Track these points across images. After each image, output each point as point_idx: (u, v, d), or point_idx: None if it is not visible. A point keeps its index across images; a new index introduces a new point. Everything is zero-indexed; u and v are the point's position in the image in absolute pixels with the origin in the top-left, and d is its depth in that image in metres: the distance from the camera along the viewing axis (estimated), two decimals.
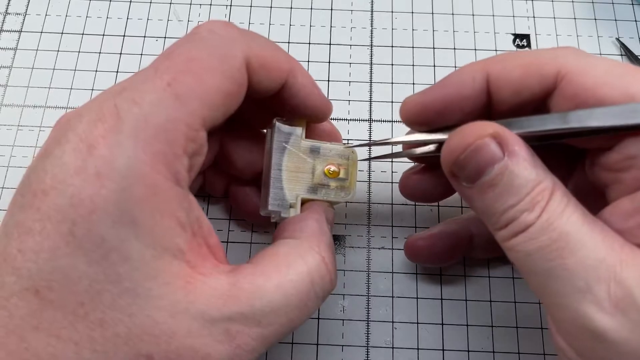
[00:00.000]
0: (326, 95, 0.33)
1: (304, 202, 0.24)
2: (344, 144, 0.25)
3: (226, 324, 0.17)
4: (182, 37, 0.19)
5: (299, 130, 0.24)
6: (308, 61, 0.34)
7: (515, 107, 0.20)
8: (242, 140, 0.25)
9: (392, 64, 0.34)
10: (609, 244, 0.17)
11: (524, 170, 0.18)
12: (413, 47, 0.34)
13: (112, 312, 0.16)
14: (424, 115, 0.21)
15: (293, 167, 0.24)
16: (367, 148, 0.31)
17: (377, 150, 0.31)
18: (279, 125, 0.24)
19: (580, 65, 0.18)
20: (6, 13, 0.35)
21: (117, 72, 0.33)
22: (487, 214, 0.19)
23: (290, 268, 0.19)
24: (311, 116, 0.23)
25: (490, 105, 0.21)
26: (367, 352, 0.27)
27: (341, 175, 0.24)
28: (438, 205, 0.30)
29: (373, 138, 0.32)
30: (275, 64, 0.20)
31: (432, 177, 0.24)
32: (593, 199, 0.19)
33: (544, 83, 0.19)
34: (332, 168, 0.24)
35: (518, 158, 0.18)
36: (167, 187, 0.17)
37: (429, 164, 0.25)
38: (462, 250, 0.27)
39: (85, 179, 0.16)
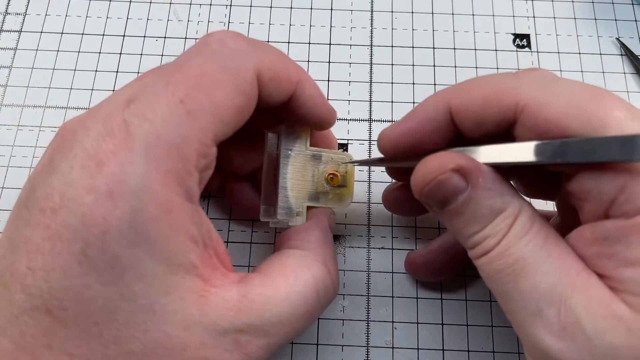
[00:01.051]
0: (327, 98, 0.33)
1: (307, 209, 0.24)
2: (342, 150, 0.26)
3: (236, 334, 0.17)
4: (192, 47, 0.19)
5: (304, 138, 0.24)
6: (308, 61, 0.34)
7: (481, 136, 0.20)
8: (239, 140, 0.25)
9: (392, 64, 0.34)
10: (565, 270, 0.17)
11: (488, 200, 0.19)
12: (413, 47, 0.34)
13: (127, 330, 0.16)
14: (398, 148, 0.22)
15: (297, 174, 0.24)
16: (366, 148, 0.31)
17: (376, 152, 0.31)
18: (285, 132, 0.24)
19: (540, 96, 0.18)
20: (6, 13, 0.35)
21: (117, 72, 0.33)
22: (457, 235, 0.20)
23: (298, 280, 0.19)
24: (316, 125, 0.23)
25: (460, 133, 0.21)
26: (367, 352, 0.27)
27: (340, 182, 0.25)
28: None
29: (373, 138, 0.32)
30: (285, 76, 0.20)
31: (410, 193, 0.24)
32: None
33: (504, 114, 0.19)
34: (332, 175, 0.25)
35: (482, 189, 0.19)
36: (180, 204, 0.17)
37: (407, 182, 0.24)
38: (461, 263, 0.27)
39: (96, 198, 0.16)
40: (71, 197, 0.16)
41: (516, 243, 0.18)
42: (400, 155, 0.22)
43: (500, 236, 0.18)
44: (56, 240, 0.15)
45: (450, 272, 0.28)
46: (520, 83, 0.19)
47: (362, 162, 0.26)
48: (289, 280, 0.19)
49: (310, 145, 0.25)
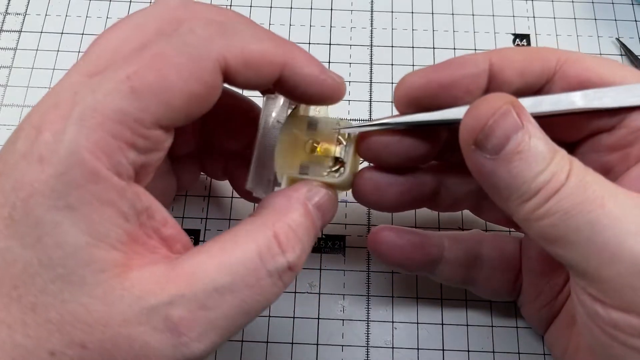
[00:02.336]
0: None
1: (295, 181, 0.21)
2: (342, 119, 0.23)
3: (166, 309, 0.16)
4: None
5: (299, 104, 0.22)
6: None
7: (516, 91, 0.20)
8: (233, 121, 0.25)
9: (392, 64, 0.34)
10: (636, 194, 0.17)
11: (543, 137, 0.18)
12: (413, 47, 0.34)
13: (43, 297, 0.16)
14: (427, 93, 0.21)
15: (287, 143, 0.22)
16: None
17: None
18: (270, 98, 0.22)
19: (576, 54, 0.20)
20: (6, 13, 0.35)
21: None
22: (514, 185, 0.18)
23: (236, 246, 0.17)
24: (317, 102, 0.22)
25: (491, 91, 0.20)
26: (367, 352, 0.27)
27: (337, 154, 0.22)
28: None
29: None
30: (264, 60, 0.19)
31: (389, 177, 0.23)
32: None
33: (546, 66, 0.20)
34: (328, 145, 0.22)
35: (535, 126, 0.18)
36: (107, 176, 0.16)
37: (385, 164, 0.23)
38: (430, 253, 0.25)
39: (29, 163, 0.16)
40: (10, 163, 0.16)
41: (585, 175, 0.18)
42: (419, 103, 0.21)
43: (567, 170, 0.18)
44: None
45: (416, 256, 0.25)
46: (557, 50, 0.21)
47: (361, 126, 0.22)
48: (226, 245, 0.17)
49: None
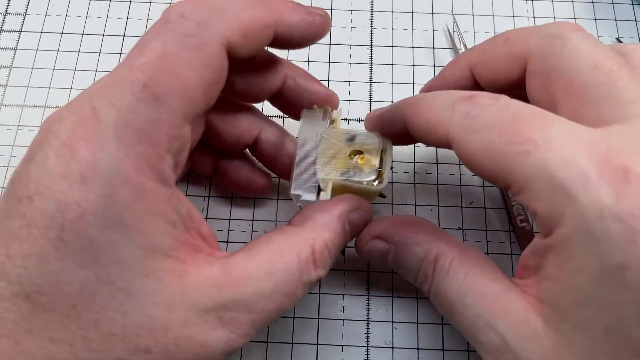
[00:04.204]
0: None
1: (336, 188, 0.23)
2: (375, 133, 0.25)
3: (219, 311, 0.17)
4: (153, 25, 0.19)
5: (337, 119, 0.24)
6: (308, 61, 0.34)
7: (498, 90, 0.21)
8: (227, 115, 0.25)
9: (392, 64, 0.34)
10: (487, 299, 0.19)
11: (408, 253, 0.22)
12: (413, 47, 0.34)
13: (105, 312, 0.16)
14: (375, 130, 0.24)
15: (327, 153, 0.24)
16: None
17: None
18: (308, 113, 0.24)
19: (462, 133, 0.19)
20: (6, 13, 0.35)
21: None
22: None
23: (282, 257, 0.19)
24: (311, 41, 0.22)
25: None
26: (367, 352, 0.27)
27: (374, 163, 0.24)
28: (438, 205, 0.30)
29: None
30: (258, 26, 0.20)
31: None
32: None
33: (443, 141, 0.20)
34: (367, 156, 0.24)
35: (402, 245, 0.22)
36: (154, 188, 0.17)
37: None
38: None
39: (70, 184, 0.16)
40: (46, 184, 0.16)
41: (440, 286, 0.20)
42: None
43: (429, 281, 0.21)
44: (32, 227, 0.16)
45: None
46: (451, 116, 0.19)
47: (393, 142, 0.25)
48: (273, 256, 0.19)
49: (314, 105, 0.25)
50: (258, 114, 0.26)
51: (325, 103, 0.25)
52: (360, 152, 0.24)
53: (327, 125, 0.24)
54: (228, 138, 0.25)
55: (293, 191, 0.24)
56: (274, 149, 0.26)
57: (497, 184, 0.19)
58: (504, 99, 0.19)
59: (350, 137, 0.24)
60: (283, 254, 0.19)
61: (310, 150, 0.24)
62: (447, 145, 0.20)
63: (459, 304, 0.20)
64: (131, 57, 0.18)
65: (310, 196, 0.23)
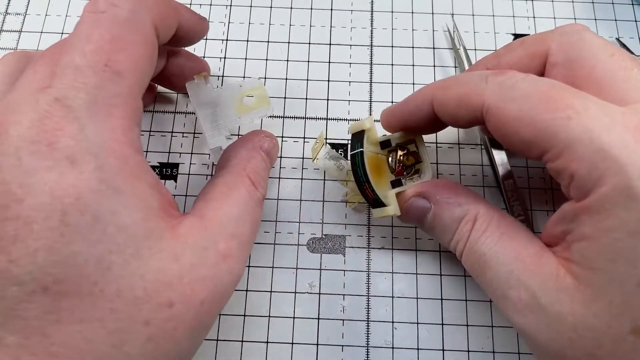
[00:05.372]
0: (327, 98, 0.32)
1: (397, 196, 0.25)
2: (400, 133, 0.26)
3: (214, 246, 0.20)
4: (82, 19, 0.20)
5: (370, 130, 0.25)
6: (308, 61, 0.34)
7: (457, 126, 0.24)
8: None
9: (392, 64, 0.34)
10: (520, 257, 0.21)
11: (448, 211, 0.23)
12: (413, 48, 0.34)
13: (124, 280, 0.17)
14: (396, 125, 0.26)
15: (374, 166, 0.25)
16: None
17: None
18: (192, 83, 0.27)
19: (499, 101, 0.20)
20: (6, 13, 0.35)
21: None
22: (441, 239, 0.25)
23: (233, 191, 0.22)
24: (194, 40, 0.26)
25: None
26: (367, 352, 0.27)
27: (415, 159, 0.26)
28: None
29: None
30: (171, 13, 0.23)
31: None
32: None
33: (474, 114, 0.21)
34: (405, 155, 0.26)
35: (442, 204, 0.24)
36: (132, 155, 0.18)
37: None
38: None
39: (60, 172, 0.16)
40: (32, 182, 0.16)
41: (476, 243, 0.22)
42: (396, 129, 0.26)
43: (465, 239, 0.23)
44: (31, 224, 0.16)
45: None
46: (486, 86, 0.21)
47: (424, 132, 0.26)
48: (228, 194, 0.22)
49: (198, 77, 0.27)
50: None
51: (200, 72, 0.28)
52: (399, 153, 0.26)
53: (365, 137, 0.25)
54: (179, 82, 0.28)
55: (212, 146, 0.27)
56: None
57: (530, 152, 0.20)
58: (533, 75, 0.20)
59: (386, 143, 0.26)
60: (230, 188, 0.22)
61: (209, 111, 0.27)
62: (478, 118, 0.21)
63: (492, 261, 0.21)
64: (78, 45, 0.19)
65: (227, 142, 0.27)
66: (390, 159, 0.26)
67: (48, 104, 0.17)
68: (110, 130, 0.18)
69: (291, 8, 0.35)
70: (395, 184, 0.26)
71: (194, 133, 0.32)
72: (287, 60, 0.34)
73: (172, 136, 0.32)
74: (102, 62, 0.18)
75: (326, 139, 0.31)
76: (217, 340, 0.28)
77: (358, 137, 0.25)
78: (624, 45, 0.34)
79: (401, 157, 0.26)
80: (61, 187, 0.16)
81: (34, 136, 0.16)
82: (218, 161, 0.25)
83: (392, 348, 0.27)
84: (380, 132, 0.27)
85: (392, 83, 0.33)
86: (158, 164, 0.31)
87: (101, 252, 0.17)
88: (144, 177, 0.19)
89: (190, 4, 0.35)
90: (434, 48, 0.34)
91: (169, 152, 0.31)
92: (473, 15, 0.35)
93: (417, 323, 0.28)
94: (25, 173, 0.16)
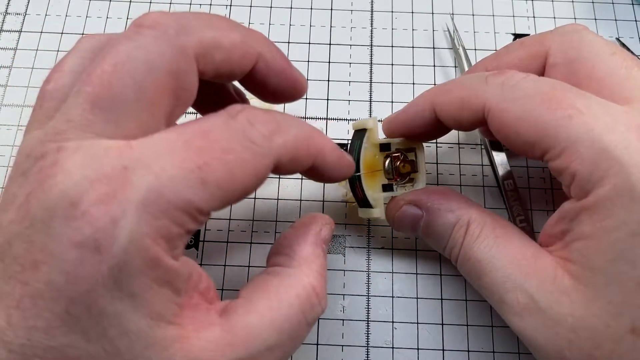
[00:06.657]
0: (327, 98, 0.33)
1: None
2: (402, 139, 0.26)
3: None
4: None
5: (372, 128, 0.25)
6: (308, 61, 0.34)
7: (461, 129, 0.24)
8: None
9: (392, 64, 0.34)
10: (515, 261, 0.21)
11: (441, 218, 0.23)
12: (413, 47, 0.34)
13: None
14: (398, 132, 0.26)
15: (369, 166, 0.25)
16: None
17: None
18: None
19: (500, 102, 0.20)
20: (6, 13, 0.35)
21: None
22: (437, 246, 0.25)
23: (282, 302, 0.19)
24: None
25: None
26: (367, 352, 0.27)
27: (411, 168, 0.26)
28: None
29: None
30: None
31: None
32: None
33: (476, 116, 0.21)
34: (403, 162, 0.26)
35: (434, 211, 0.24)
36: (166, 261, 0.16)
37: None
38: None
39: (82, 254, 0.15)
40: (53, 252, 0.15)
41: (471, 248, 0.22)
42: (398, 136, 0.26)
43: (459, 245, 0.22)
44: (37, 298, 0.15)
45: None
46: (487, 87, 0.21)
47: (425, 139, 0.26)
48: (273, 303, 0.18)
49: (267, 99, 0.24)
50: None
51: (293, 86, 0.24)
52: (396, 159, 0.26)
53: (366, 136, 0.25)
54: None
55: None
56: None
57: (532, 152, 0.20)
58: (533, 75, 0.20)
59: (385, 146, 0.26)
60: (282, 299, 0.19)
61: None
62: (481, 119, 0.21)
63: (488, 266, 0.21)
64: (188, 133, 0.16)
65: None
66: (386, 162, 0.26)
67: (114, 167, 0.15)
68: (155, 229, 0.15)
69: (291, 8, 0.35)
70: (386, 188, 0.26)
71: None
72: None
73: None
74: (197, 163, 0.16)
75: None
76: None
77: (359, 134, 0.26)
78: (624, 45, 0.34)
79: (398, 164, 0.26)
80: (77, 273, 0.15)
81: (74, 197, 0.15)
82: (272, 247, 0.22)
83: (392, 348, 0.27)
84: (382, 137, 0.27)
85: (392, 83, 0.33)
86: None
87: (97, 351, 0.15)
88: (171, 283, 0.16)
89: (191, 5, 0.35)
90: (433, 48, 0.34)
91: None
92: (473, 15, 0.35)
93: (417, 323, 0.28)
94: (50, 238, 0.15)
